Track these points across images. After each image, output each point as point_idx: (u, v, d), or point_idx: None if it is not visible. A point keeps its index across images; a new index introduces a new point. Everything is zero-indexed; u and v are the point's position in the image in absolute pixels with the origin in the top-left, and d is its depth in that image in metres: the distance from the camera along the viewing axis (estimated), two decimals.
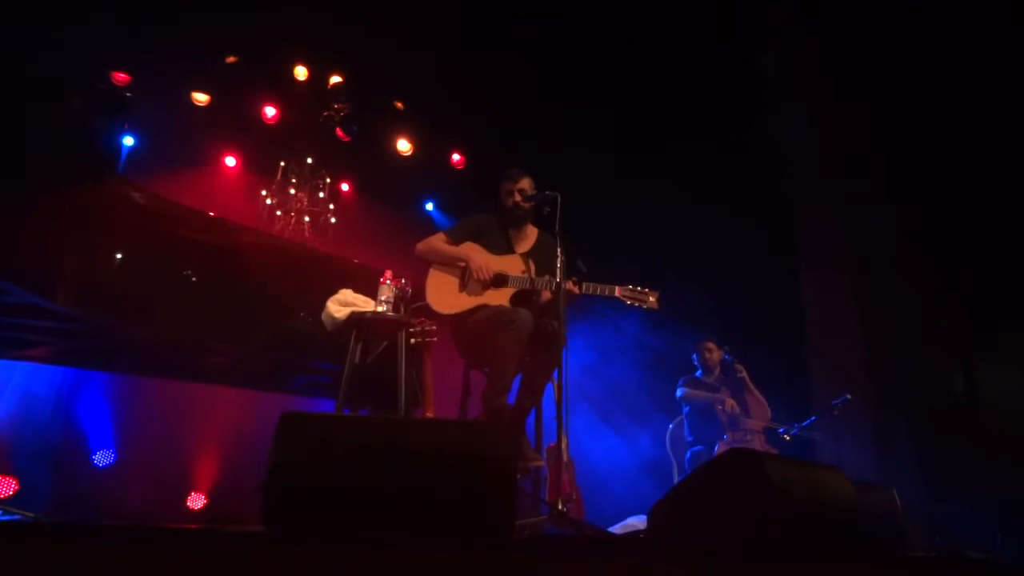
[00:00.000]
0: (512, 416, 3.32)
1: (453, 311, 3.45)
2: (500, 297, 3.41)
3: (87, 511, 4.62)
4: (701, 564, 1.55)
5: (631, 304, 3.32)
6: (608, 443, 6.51)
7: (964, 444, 5.09)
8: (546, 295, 3.47)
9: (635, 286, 3.35)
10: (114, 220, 3.71)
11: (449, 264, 3.55)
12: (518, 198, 3.58)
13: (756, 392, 5.17)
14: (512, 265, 3.51)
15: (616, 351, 6.62)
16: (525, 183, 3.61)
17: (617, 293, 3.34)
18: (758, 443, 4.94)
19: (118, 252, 3.73)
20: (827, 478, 2.06)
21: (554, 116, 6.35)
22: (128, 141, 5.48)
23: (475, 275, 3.43)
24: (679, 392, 5.32)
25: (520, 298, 3.45)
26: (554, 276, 3.19)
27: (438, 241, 3.62)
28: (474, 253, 3.52)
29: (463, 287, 3.49)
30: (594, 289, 3.34)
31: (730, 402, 5.06)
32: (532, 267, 3.51)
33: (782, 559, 1.66)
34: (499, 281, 3.44)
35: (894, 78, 5.75)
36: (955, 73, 5.37)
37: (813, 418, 5.06)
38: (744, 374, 5.18)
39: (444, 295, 3.49)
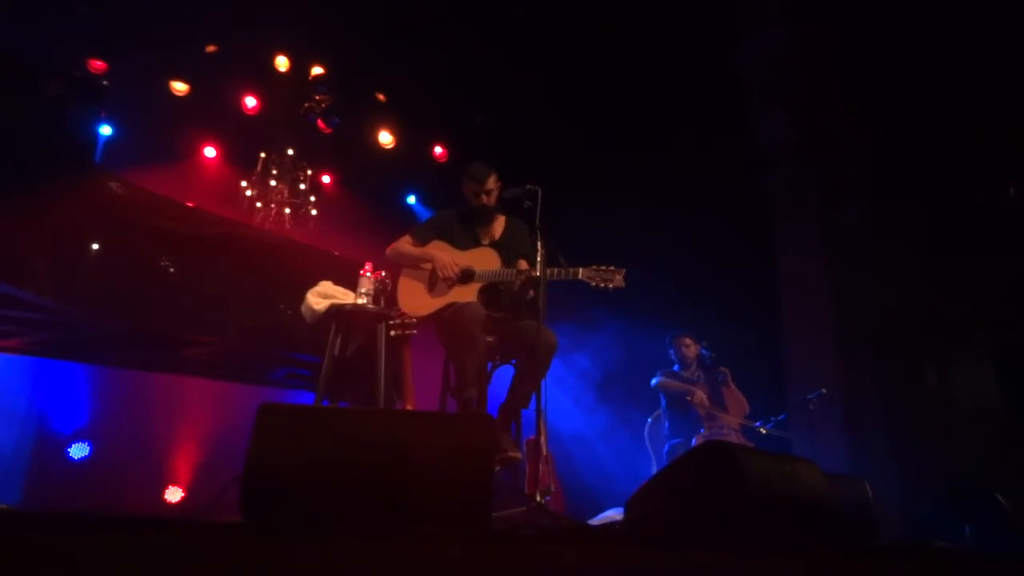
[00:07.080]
0: (498, 416, 3.31)
1: (424, 313, 3.44)
2: (468, 293, 3.37)
3: (62, 505, 4.56)
4: (675, 554, 1.57)
5: (596, 286, 3.22)
6: (588, 437, 6.55)
7: (936, 438, 5.18)
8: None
9: (599, 265, 3.24)
10: (91, 210, 3.67)
11: (417, 266, 3.53)
12: (485, 199, 3.52)
13: (736, 390, 5.23)
14: (480, 258, 3.47)
15: (596, 348, 6.64)
16: (491, 182, 3.54)
17: (581, 275, 3.24)
18: (734, 437, 5.00)
19: (95, 243, 3.70)
20: (800, 470, 2.09)
21: (536, 109, 6.35)
22: (105, 130, 5.40)
23: (440, 274, 3.40)
24: (654, 380, 5.35)
25: (490, 291, 3.42)
26: (526, 260, 3.24)
27: (404, 244, 3.60)
28: (439, 252, 3.49)
29: (431, 288, 3.47)
30: (557, 274, 3.23)
31: (699, 395, 5.08)
32: (501, 257, 3.46)
33: (755, 549, 1.69)
34: (466, 277, 3.41)
35: (872, 75, 5.82)
36: (931, 69, 5.44)
37: (786, 414, 5.13)
38: (727, 375, 5.23)
39: (414, 298, 3.48)
